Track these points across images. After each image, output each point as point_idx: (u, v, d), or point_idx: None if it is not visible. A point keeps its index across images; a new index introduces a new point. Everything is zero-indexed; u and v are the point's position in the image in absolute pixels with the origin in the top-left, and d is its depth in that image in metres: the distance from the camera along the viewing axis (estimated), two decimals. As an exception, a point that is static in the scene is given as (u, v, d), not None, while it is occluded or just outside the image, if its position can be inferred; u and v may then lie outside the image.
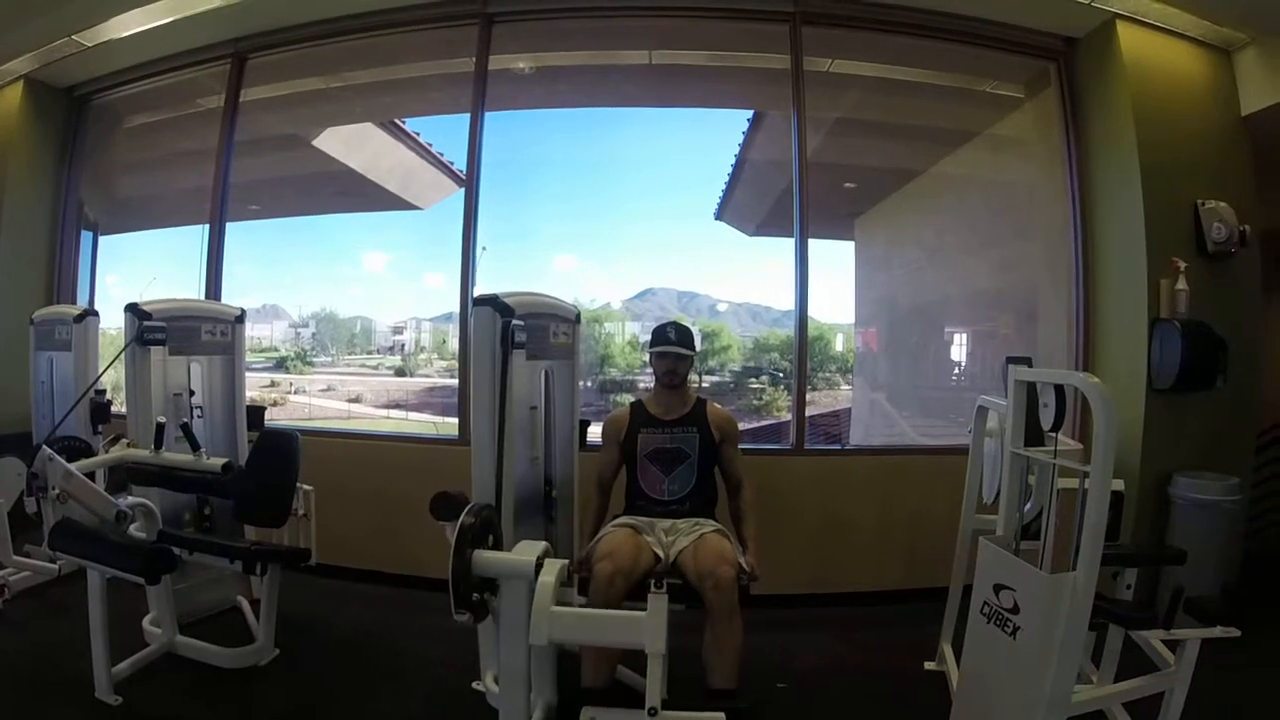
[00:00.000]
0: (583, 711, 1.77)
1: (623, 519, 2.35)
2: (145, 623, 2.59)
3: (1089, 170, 3.39)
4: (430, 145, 4.25)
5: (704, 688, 2.05)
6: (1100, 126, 3.31)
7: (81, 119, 4.08)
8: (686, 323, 2.51)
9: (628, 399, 2.56)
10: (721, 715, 1.77)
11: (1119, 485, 2.14)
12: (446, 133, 3.83)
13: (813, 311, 3.49)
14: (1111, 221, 3.27)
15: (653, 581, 1.74)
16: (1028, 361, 2.02)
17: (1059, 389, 1.77)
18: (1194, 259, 3.02)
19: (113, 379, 3.23)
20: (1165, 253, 3.01)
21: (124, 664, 2.32)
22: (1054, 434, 1.81)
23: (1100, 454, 1.59)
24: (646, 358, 2.57)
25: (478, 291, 2.19)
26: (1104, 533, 1.63)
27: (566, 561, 1.77)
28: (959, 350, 4.17)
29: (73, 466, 2.05)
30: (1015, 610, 1.76)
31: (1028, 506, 2.05)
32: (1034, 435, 1.90)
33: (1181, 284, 2.96)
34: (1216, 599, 2.82)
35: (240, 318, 2.99)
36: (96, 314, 3.17)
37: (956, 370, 4.17)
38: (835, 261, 3.96)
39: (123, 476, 2.47)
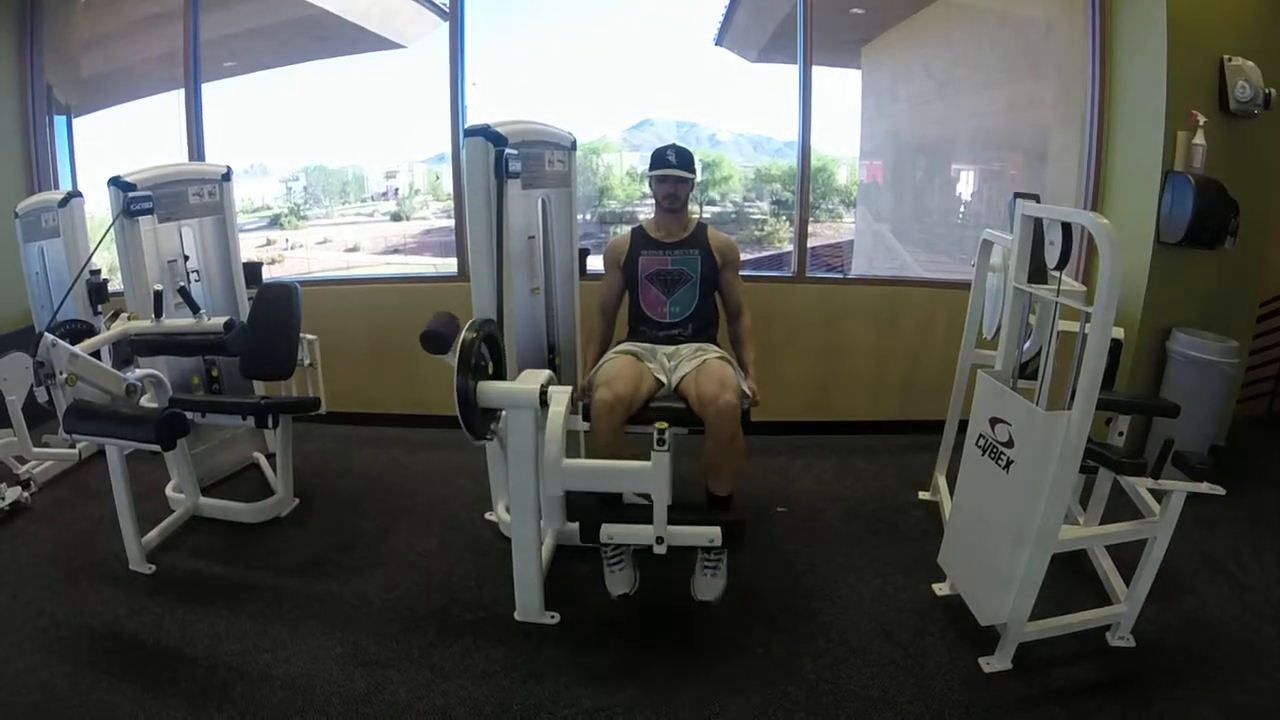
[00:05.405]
0: (602, 529, 1.86)
1: (625, 345, 2.36)
2: (168, 490, 2.67)
3: (1111, 11, 3.19)
4: (409, -23, 3.97)
5: (705, 493, 2.16)
6: (1128, -37, 3.09)
7: (36, 1, 3.82)
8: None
9: (628, 230, 2.53)
10: (717, 529, 1.85)
11: (1118, 333, 2.14)
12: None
13: (816, 143, 3.40)
14: (1132, 66, 3.12)
15: (655, 435, 1.76)
16: (1036, 198, 1.96)
17: (1066, 227, 1.72)
18: (1214, 115, 2.89)
19: (108, 260, 3.19)
20: (1185, 105, 2.88)
21: (153, 533, 2.40)
22: (1058, 273, 1.79)
23: (1104, 294, 1.55)
24: (646, 185, 2.51)
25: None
26: (1102, 373, 1.62)
27: (571, 388, 1.81)
28: (965, 188, 4.05)
29: (76, 348, 2.03)
30: (1010, 444, 1.79)
31: (1027, 344, 2.06)
32: (1038, 273, 1.88)
33: (1199, 139, 2.85)
34: (1204, 456, 2.91)
35: (227, 175, 2.91)
36: (80, 194, 3.06)
37: (961, 208, 4.07)
38: (840, 91, 3.75)
39: (128, 351, 2.44)
